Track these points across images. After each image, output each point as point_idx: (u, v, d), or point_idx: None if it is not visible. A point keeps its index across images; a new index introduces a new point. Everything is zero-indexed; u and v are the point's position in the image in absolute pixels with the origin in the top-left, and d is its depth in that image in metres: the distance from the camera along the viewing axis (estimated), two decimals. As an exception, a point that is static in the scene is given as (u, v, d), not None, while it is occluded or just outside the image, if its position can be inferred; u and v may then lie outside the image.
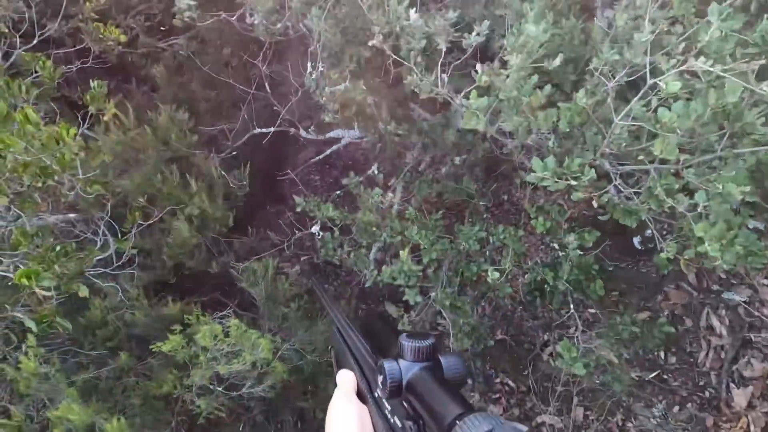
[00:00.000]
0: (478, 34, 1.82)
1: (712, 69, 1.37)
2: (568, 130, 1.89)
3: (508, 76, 1.73)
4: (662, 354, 3.19)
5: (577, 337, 2.19)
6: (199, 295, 4.47)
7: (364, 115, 3.40)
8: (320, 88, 2.70)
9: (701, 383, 3.03)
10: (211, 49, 3.88)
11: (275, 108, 3.56)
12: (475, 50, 2.06)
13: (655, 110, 1.61)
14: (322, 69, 2.69)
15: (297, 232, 3.00)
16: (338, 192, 3.58)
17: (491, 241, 2.60)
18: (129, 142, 2.85)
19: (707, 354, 3.07)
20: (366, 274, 2.43)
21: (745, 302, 3.14)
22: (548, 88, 1.78)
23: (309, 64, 2.61)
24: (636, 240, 3.65)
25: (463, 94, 1.78)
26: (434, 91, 2.06)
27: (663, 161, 1.72)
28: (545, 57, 1.69)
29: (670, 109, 1.54)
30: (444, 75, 1.88)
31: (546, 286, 2.62)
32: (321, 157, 3.88)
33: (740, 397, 2.86)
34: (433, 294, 2.40)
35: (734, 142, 1.69)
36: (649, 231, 3.80)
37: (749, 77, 1.33)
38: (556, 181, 1.69)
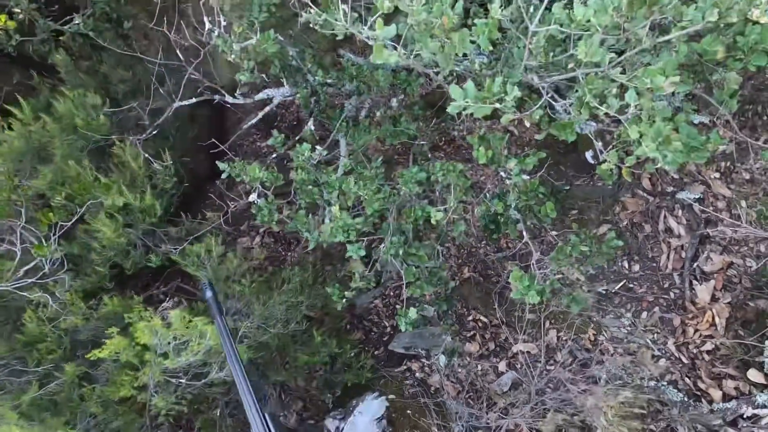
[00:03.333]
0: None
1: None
2: (491, 48, 1.74)
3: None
4: (626, 263, 3.19)
5: (532, 264, 2.12)
6: (162, 285, 4.30)
7: (290, 69, 3.16)
8: (227, 46, 2.46)
9: (665, 285, 3.05)
10: (109, 24, 3.53)
11: (193, 76, 3.29)
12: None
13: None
14: (225, 24, 2.44)
15: (231, 204, 2.82)
16: (274, 156, 3.38)
17: (440, 180, 2.48)
18: (31, 137, 2.58)
19: (668, 256, 3.08)
20: (307, 236, 2.29)
21: (699, 199, 3.13)
22: (459, 5, 1.61)
23: (206, 20, 2.35)
24: (588, 154, 3.59)
25: (368, 24, 1.60)
26: (338, 27, 1.86)
27: (594, 65, 1.59)
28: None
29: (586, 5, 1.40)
30: (345, 6, 1.69)
31: (499, 217, 2.54)
32: (254, 121, 3.64)
33: (703, 292, 2.89)
34: (381, 246, 2.29)
35: (663, 32, 1.57)
36: (599, 144, 3.74)
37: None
38: (481, 107, 1.55)
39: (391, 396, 3.07)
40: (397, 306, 3.91)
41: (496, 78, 1.52)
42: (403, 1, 1.59)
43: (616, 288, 3.12)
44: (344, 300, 2.29)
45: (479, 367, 3.06)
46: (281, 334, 2.79)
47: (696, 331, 2.82)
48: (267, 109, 3.66)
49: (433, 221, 2.09)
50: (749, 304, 2.75)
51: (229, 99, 3.45)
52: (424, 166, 2.32)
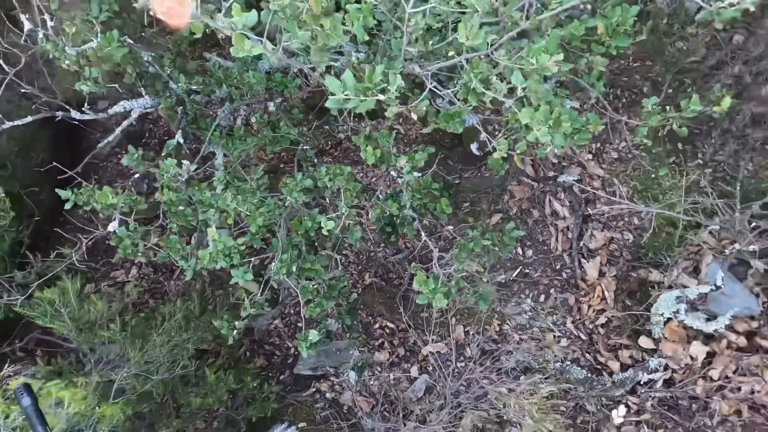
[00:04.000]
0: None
1: None
2: (366, 38, 1.59)
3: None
4: (520, 250, 3.25)
5: (434, 264, 2.02)
6: (18, 341, 3.62)
7: (147, 77, 2.79)
8: (59, 51, 2.06)
9: (558, 267, 3.15)
10: None
11: (25, 90, 2.77)
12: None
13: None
14: (52, 24, 2.04)
15: (85, 236, 2.39)
16: (137, 176, 2.98)
17: (328, 186, 2.30)
18: None
19: (557, 238, 3.19)
20: (183, 264, 1.99)
21: (578, 180, 3.28)
22: (328, -13, 1.44)
23: (25, 19, 1.94)
24: (474, 147, 3.62)
25: (222, 12, 1.36)
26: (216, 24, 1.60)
27: (475, 50, 1.49)
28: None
29: (463, -15, 1.30)
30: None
31: (395, 218, 2.42)
32: (111, 139, 3.18)
33: (591, 269, 3.03)
34: (272, 265, 2.06)
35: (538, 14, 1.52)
36: (483, 135, 3.78)
37: None
38: (363, 100, 1.40)
39: (302, 424, 2.84)
40: (299, 324, 3.67)
41: (377, 67, 1.37)
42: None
43: (514, 275, 3.17)
44: (235, 331, 2.02)
45: (391, 377, 2.93)
46: (166, 380, 2.42)
47: (589, 307, 2.94)
48: (125, 124, 3.22)
49: (325, 231, 1.90)
50: (632, 275, 2.92)
51: (75, 115, 2.97)
52: (310, 173, 2.13)
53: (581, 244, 3.13)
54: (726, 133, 3.08)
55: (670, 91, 3.21)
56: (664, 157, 3.21)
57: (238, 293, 3.35)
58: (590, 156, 3.37)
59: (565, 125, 1.34)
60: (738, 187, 2.52)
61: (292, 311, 3.66)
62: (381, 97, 1.38)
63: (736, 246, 2.38)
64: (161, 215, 2.37)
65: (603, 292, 2.93)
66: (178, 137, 3.02)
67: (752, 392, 2.41)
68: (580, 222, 3.19)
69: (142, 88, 2.80)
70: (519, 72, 1.34)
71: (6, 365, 2.61)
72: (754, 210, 2.36)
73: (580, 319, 2.92)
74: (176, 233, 2.04)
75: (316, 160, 2.76)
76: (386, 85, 1.35)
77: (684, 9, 2.98)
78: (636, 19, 1.79)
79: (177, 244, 1.99)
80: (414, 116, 1.56)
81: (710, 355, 2.53)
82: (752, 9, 1.01)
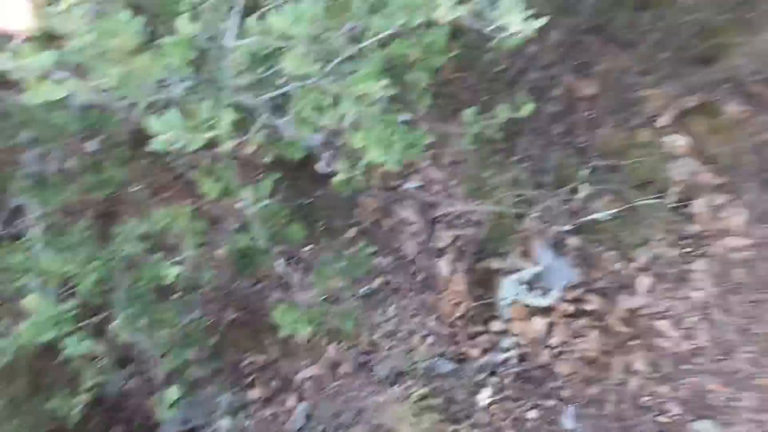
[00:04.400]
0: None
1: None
2: (190, 70, 1.51)
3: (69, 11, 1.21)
4: (379, 259, 3.36)
5: (294, 293, 2.00)
6: None
7: None
8: None
9: (413, 270, 3.33)
10: None
11: None
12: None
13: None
14: None
15: None
16: None
17: (171, 228, 2.13)
18: None
19: (409, 243, 3.36)
20: None
21: (420, 187, 3.50)
22: (137, 21, 1.34)
23: None
24: (320, 165, 3.66)
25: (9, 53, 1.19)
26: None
27: (304, 78, 1.51)
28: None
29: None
30: None
31: (248, 250, 2.33)
32: None
33: (443, 266, 3.25)
34: (112, 324, 1.84)
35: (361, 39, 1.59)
36: (326, 153, 3.82)
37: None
38: (194, 138, 1.33)
39: (176, 488, 2.58)
40: (156, 381, 3.34)
41: (204, 102, 1.31)
42: (60, 17, 1.23)
43: (376, 284, 3.27)
44: (78, 408, 1.77)
45: (268, 413, 2.81)
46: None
47: (448, 302, 3.15)
48: None
49: (170, 278, 1.77)
50: (479, 267, 3.20)
51: None
52: (144, 217, 1.95)
53: (431, 245, 3.34)
54: (533, 131, 3.54)
55: (485, 98, 3.59)
56: (487, 157, 3.58)
57: (78, 362, 2.95)
58: (429, 162, 3.62)
59: (397, 146, 1.42)
60: (550, 177, 2.92)
61: (149, 365, 3.32)
62: (212, 133, 1.33)
63: (555, 228, 2.76)
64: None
65: (456, 287, 3.16)
66: (-27, 193, 2.56)
67: (585, 350, 2.80)
68: (429, 225, 3.40)
69: None
70: (348, 98, 1.39)
71: None
72: (564, 195, 2.76)
73: (440, 316, 3.11)
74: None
75: (152, 199, 2.55)
76: (215, 120, 1.30)
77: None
78: (450, 36, 1.98)
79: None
80: (250, 148, 1.53)
81: (551, 326, 2.89)
82: (532, 35, 1.18)
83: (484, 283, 3.17)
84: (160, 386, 1.91)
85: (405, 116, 3.36)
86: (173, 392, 1.83)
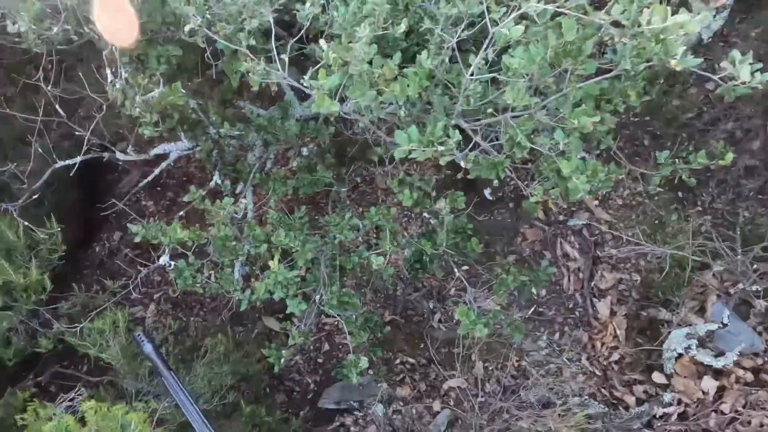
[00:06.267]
0: (312, 4, 1.64)
1: (547, 7, 1.38)
2: (417, 95, 1.82)
3: (353, 50, 1.58)
4: (534, 290, 3.42)
5: (469, 299, 2.20)
6: (33, 375, 3.64)
7: (189, 122, 3.01)
8: (129, 99, 2.28)
9: (570, 306, 3.33)
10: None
11: (78, 133, 2.96)
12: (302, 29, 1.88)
13: (492, 63, 1.61)
14: (126, 76, 2.27)
15: (142, 268, 2.54)
16: (180, 213, 3.15)
17: (362, 225, 2.49)
18: None
19: (569, 279, 3.38)
20: (237, 296, 2.14)
21: (586, 225, 3.50)
22: (398, 56, 1.68)
23: (109, 72, 2.17)
24: (487, 192, 3.85)
25: (309, 75, 1.59)
26: (268, 78, 1.83)
27: (522, 109, 1.72)
28: (390, 25, 1.58)
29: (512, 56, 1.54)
30: (284, 56, 1.67)
31: (424, 256, 2.60)
32: (150, 178, 3.37)
33: (603, 308, 3.21)
34: (317, 297, 2.21)
35: (570, 77, 1.77)
36: (496, 182, 4.02)
37: (587, 9, 1.36)
38: (424, 150, 1.61)
39: (328, 458, 2.91)
40: (319, 360, 3.76)
41: (438, 123, 1.59)
42: (348, 53, 1.61)
43: (529, 313, 3.33)
44: (282, 360, 2.15)
45: (414, 411, 3.03)
46: (205, 411, 2.51)
47: (603, 344, 3.10)
48: (164, 165, 3.43)
49: (374, 266, 2.08)
50: (642, 314, 3.10)
51: (120, 156, 3.17)
52: (347, 212, 2.31)
53: (592, 284, 3.32)
54: (722, 183, 3.35)
55: (669, 144, 3.49)
56: (665, 204, 3.46)
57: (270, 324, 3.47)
58: (597, 202, 3.61)
59: (600, 175, 1.56)
60: (738, 233, 2.75)
61: (311, 347, 3.76)
62: (440, 148, 1.60)
63: (740, 286, 2.58)
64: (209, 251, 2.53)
65: (615, 330, 3.10)
66: (216, 178, 3.22)
67: (761, 425, 2.55)
68: (590, 263, 3.39)
69: (182, 133, 3.02)
70: (561, 130, 1.56)
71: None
72: (755, 253, 2.59)
73: (594, 356, 3.07)
74: (230, 267, 2.21)
75: (348, 201, 2.97)
76: (447, 138, 1.57)
77: (681, 73, 3.30)
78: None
79: (230, 277, 2.15)
80: (463, 164, 1.78)
81: (720, 390, 2.69)
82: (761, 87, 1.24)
83: (646, 331, 3.06)
84: (343, 363, 2.20)
85: (582, 153, 3.44)
86: (364, 361, 2.13)
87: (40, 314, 2.72)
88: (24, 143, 3.12)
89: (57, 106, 2.89)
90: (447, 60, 1.79)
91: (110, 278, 3.06)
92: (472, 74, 1.56)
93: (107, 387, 2.88)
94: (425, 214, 2.41)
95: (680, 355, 2.75)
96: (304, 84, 1.57)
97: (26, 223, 2.54)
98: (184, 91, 2.82)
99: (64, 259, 3.81)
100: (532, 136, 1.72)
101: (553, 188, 1.78)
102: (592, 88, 1.98)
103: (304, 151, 3.25)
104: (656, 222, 3.34)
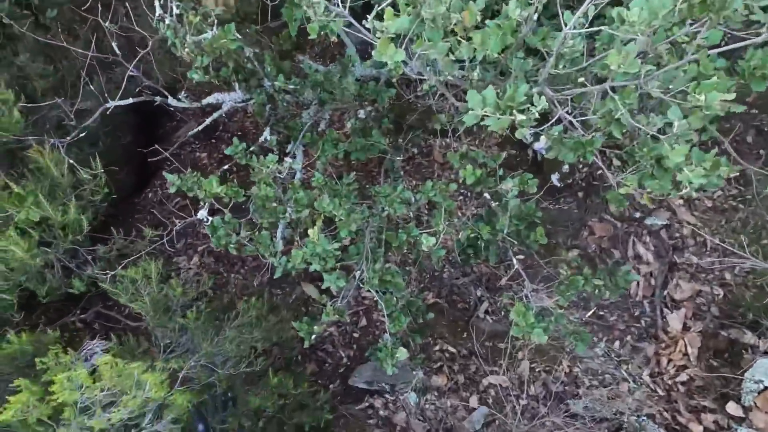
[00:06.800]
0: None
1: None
2: (496, 54, 1.53)
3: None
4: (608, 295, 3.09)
5: (526, 295, 1.93)
6: (79, 313, 3.69)
7: (245, 72, 2.84)
8: (180, 38, 2.11)
9: (636, 314, 2.98)
10: (28, 11, 3.04)
11: (133, 74, 2.86)
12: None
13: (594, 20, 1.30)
14: (177, 11, 2.10)
15: (178, 221, 2.43)
16: (225, 167, 3.02)
17: (414, 199, 2.25)
18: None
19: (638, 283, 3.02)
20: (273, 261, 1.97)
21: (666, 225, 3.11)
22: (482, 0, 1.39)
23: (157, 4, 2.00)
24: (554, 177, 3.51)
25: (372, 14, 1.34)
26: (328, 26, 1.60)
27: (631, 77, 1.40)
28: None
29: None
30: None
31: (479, 241, 2.33)
32: (201, 128, 3.25)
33: (675, 320, 2.84)
34: (357, 273, 2.01)
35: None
36: (565, 167, 3.62)
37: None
38: (499, 118, 1.34)
39: (354, 439, 2.76)
40: (355, 334, 3.61)
41: (520, 86, 1.31)
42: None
43: (587, 315, 3.02)
44: (312, 337, 1.98)
45: (449, 403, 2.82)
46: (231, 374, 2.41)
47: (669, 361, 2.75)
48: (216, 115, 3.29)
49: (424, 247, 1.85)
50: (721, 334, 2.72)
51: (172, 101, 3.05)
52: (400, 183, 2.08)
53: (665, 292, 2.95)
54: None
55: (780, 143, 3.01)
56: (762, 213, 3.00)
57: (306, 290, 3.33)
58: (681, 201, 3.20)
59: (723, 168, 1.24)
60: None
61: (348, 321, 3.60)
62: (520, 117, 1.32)
63: None
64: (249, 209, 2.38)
65: (686, 348, 2.74)
66: (266, 134, 3.05)
67: None
68: (666, 269, 3.01)
69: (236, 83, 2.85)
70: (677, 108, 1.25)
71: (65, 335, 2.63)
72: None
73: (658, 373, 2.73)
74: (267, 229, 2.03)
75: (402, 173, 2.73)
76: (531, 105, 1.29)
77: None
78: None
79: (267, 240, 1.98)
80: (543, 139, 1.49)
81: (809, 435, 2.32)
82: None
83: (724, 354, 2.68)
84: (379, 346, 2.02)
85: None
86: (402, 353, 1.93)
87: (80, 255, 2.69)
88: (87, 81, 3.05)
89: (113, 44, 2.77)
90: (534, 17, 1.49)
91: (156, 226, 2.98)
92: (572, 28, 1.26)
93: (143, 333, 2.84)
94: (486, 195, 2.13)
95: (766, 389, 2.38)
96: (366, 26, 1.32)
97: (71, 161, 2.47)
98: (238, 36, 2.64)
99: (116, 203, 3.81)
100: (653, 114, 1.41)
101: (650, 179, 1.46)
102: (703, 63, 1.63)
103: (361, 113, 3.02)
104: (753, 232, 2.90)
